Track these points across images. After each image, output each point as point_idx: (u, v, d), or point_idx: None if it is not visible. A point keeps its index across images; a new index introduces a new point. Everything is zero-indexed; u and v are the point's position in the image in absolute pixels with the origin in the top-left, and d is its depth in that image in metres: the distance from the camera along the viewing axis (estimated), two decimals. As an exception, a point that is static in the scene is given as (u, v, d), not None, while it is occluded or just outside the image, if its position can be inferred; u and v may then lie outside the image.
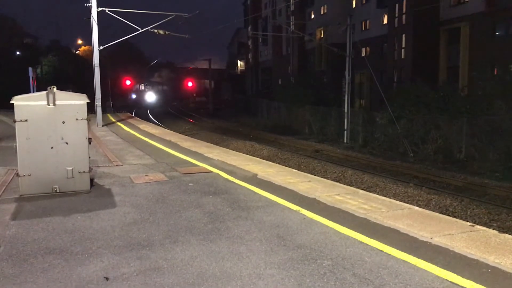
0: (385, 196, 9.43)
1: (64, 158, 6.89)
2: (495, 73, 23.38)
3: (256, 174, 8.63)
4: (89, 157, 7.27)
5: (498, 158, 18.03)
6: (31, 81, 24.90)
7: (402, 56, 33.57)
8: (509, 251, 4.41)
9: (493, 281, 3.76)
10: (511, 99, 18.67)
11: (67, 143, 6.90)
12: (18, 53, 49.45)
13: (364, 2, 40.32)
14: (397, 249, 4.53)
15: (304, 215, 5.86)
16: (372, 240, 4.81)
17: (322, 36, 44.14)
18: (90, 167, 7.27)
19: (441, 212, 10.22)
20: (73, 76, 49.44)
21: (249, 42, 70.25)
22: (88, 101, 7.13)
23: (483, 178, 15.79)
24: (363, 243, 4.74)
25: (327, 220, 5.56)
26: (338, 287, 3.67)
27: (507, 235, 4.96)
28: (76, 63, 56.40)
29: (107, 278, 3.84)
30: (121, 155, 11.51)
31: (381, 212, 5.91)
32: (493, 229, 6.81)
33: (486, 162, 18.17)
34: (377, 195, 7.32)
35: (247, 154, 14.72)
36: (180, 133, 22.06)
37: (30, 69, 25.56)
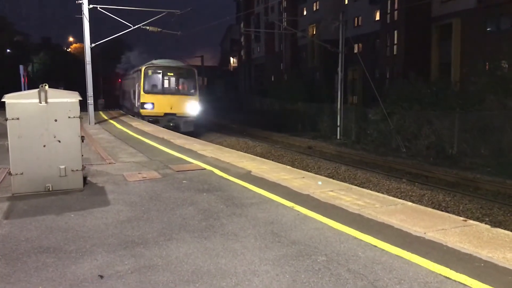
0: (379, 192, 9.46)
1: (56, 156, 6.85)
2: (487, 68, 23.53)
3: (250, 171, 8.63)
4: (82, 155, 7.22)
5: (489, 153, 18.18)
6: (22, 79, 24.72)
7: (395, 52, 33.71)
8: (501, 245, 4.45)
9: (486, 275, 3.79)
10: (503, 95, 18.82)
11: (59, 141, 6.85)
12: (8, 50, 49.01)
13: (356, -2, 40.41)
14: (391, 244, 4.55)
15: (298, 211, 5.87)
16: (366, 235, 4.83)
17: (314, 32, 44.20)
18: (83, 165, 7.23)
19: (434, 207, 10.29)
20: (65, 74, 49.07)
21: (242, 39, 70.18)
22: (80, 98, 7.08)
23: (475, 173, 15.92)
24: (357, 238, 4.76)
25: (321, 216, 5.58)
26: (333, 283, 3.69)
27: (499, 230, 5.00)
28: (67, 60, 56.01)
29: (101, 276, 3.83)
30: (114, 153, 11.46)
31: (374, 207, 5.93)
32: (485, 223, 6.87)
33: (478, 157, 18.31)
34: (370, 191, 7.35)
35: (240, 151, 14.72)
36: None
37: (21, 67, 25.37)
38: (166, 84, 23.93)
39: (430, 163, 18.50)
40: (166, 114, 22.87)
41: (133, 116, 26.05)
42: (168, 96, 23.30)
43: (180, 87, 24.38)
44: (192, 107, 23.44)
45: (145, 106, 22.99)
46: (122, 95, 37.11)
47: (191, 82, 24.21)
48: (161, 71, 23.70)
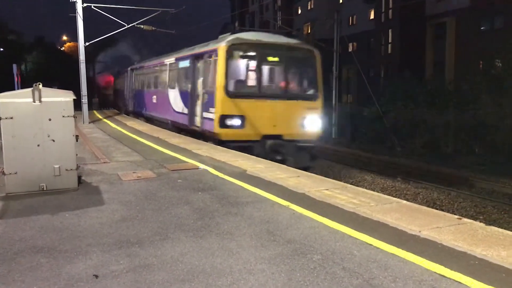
0: (374, 191, 9.49)
1: (51, 155, 6.81)
2: (481, 67, 23.66)
3: (245, 170, 8.63)
4: (76, 155, 7.19)
5: (484, 152, 18.29)
6: (16, 78, 24.58)
7: (389, 51, 33.83)
8: (496, 243, 4.47)
9: (480, 272, 3.81)
10: (496, 93, 18.93)
11: (53, 141, 6.81)
12: (1, 49, 48.73)
13: (350, -3, 40.46)
14: (386, 242, 4.56)
15: (294, 210, 5.87)
16: (361, 234, 4.84)
17: (309, 31, 44.24)
18: (77, 165, 7.20)
19: (428, 206, 10.33)
20: (59, 73, 48.85)
21: (237, 38, 69.95)
22: (74, 97, 7.05)
23: (469, 172, 16.00)
24: (352, 237, 4.77)
25: (317, 215, 5.58)
26: (328, 281, 3.69)
27: (493, 228, 5.03)
28: (61, 59, 55.77)
29: (96, 276, 3.81)
30: (108, 152, 11.42)
31: (369, 206, 5.94)
32: (480, 221, 6.91)
33: (472, 155, 18.42)
34: (365, 190, 7.37)
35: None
36: (168, 129, 21.93)
37: (15, 66, 25.22)
38: (266, 80, 13.55)
39: (425, 162, 18.58)
40: (265, 136, 12.59)
41: (182, 133, 15.71)
42: (270, 102, 12.76)
43: (291, 84, 13.65)
44: (312, 121, 13.05)
45: (228, 122, 12.42)
46: (134, 98, 25.88)
47: (310, 74, 13.70)
48: (257, 54, 12.91)
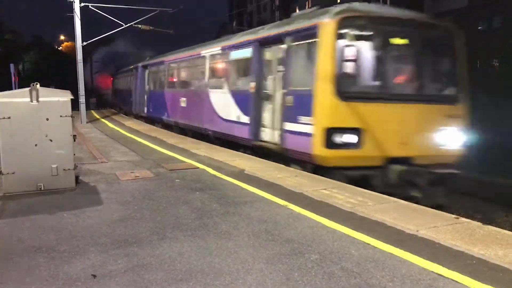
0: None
1: (48, 155, 6.81)
2: (478, 67, 23.71)
3: (243, 170, 8.63)
4: (74, 154, 7.19)
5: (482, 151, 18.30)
6: (13, 78, 24.51)
7: (387, 51, 33.84)
8: (493, 242, 4.49)
9: (478, 272, 3.82)
10: (494, 93, 18.99)
11: (51, 140, 6.81)
12: (-1, 49, 48.64)
13: (348, -3, 40.54)
14: (384, 242, 4.57)
15: (292, 209, 5.88)
16: (359, 233, 4.85)
17: (307, 31, 44.17)
18: (75, 164, 7.19)
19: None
20: (56, 73, 48.76)
21: (235, 38, 70.01)
22: (72, 97, 7.04)
23: (467, 172, 16.01)
24: (350, 236, 4.78)
25: (314, 215, 5.59)
26: (326, 281, 3.70)
27: (490, 227, 5.05)
28: (59, 59, 55.68)
29: (94, 276, 3.81)
30: (106, 152, 11.41)
31: (367, 205, 5.95)
32: (477, 221, 6.91)
33: (470, 155, 18.44)
34: (363, 189, 7.37)
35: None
36: (165, 129, 21.90)
37: (12, 65, 25.15)
38: (392, 73, 9.11)
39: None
40: (392, 159, 8.55)
41: (241, 151, 11.49)
42: (398, 107, 8.64)
43: (425, 80, 9.27)
44: (452, 136, 9.13)
45: (338, 138, 8.29)
46: (149, 101, 22.14)
47: (448, 64, 9.58)
48: (380, 33, 8.69)
